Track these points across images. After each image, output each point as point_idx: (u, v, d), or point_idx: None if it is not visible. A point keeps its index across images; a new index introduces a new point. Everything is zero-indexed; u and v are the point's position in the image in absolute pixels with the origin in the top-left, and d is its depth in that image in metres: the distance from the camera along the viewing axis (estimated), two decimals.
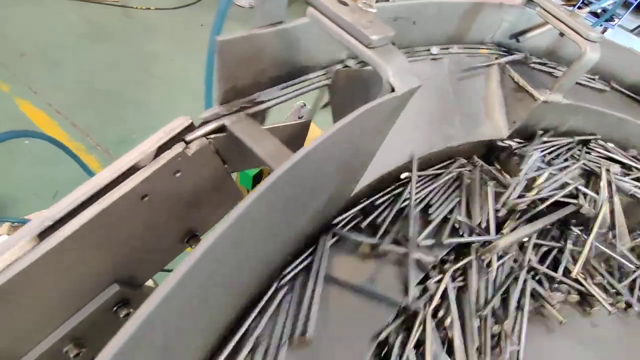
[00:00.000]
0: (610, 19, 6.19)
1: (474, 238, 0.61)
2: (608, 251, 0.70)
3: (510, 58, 0.80)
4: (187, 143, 0.46)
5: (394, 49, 0.41)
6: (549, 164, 0.74)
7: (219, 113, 0.48)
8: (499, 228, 0.65)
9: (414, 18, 0.67)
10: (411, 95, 0.41)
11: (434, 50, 0.73)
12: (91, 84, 2.89)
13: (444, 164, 0.72)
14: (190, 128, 0.47)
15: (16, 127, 1.31)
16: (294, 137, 0.58)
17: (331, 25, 0.40)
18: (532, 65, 0.83)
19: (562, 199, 0.69)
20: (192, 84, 3.11)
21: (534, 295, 0.63)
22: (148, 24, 4.08)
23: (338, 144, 0.37)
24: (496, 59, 0.79)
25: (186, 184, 0.49)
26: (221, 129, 0.48)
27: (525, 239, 0.68)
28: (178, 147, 0.45)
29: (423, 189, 0.66)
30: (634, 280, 0.72)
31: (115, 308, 0.50)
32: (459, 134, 0.72)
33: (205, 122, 0.47)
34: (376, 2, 0.43)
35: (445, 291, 0.55)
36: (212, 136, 0.47)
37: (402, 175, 0.66)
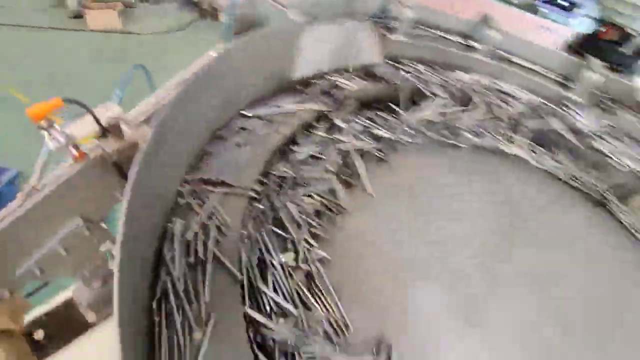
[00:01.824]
0: None
1: None
2: None
3: (380, 21, 1.45)
4: None
5: (292, 10, 1.06)
6: None
7: None
8: None
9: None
10: (298, 30, 1.05)
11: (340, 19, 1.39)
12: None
13: None
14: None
15: None
16: None
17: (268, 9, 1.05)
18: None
19: None
20: None
21: None
22: (150, 46, 4.81)
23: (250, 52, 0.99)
24: (375, 23, 1.45)
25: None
26: None
27: None
28: None
29: None
30: None
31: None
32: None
33: None
34: None
35: None
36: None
37: None
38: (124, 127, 0.89)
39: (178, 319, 0.63)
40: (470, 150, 1.24)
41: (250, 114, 0.99)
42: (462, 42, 1.52)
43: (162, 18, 5.49)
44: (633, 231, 1.13)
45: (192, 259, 0.71)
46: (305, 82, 1.19)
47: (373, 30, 1.42)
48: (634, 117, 1.35)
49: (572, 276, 1.01)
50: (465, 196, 1.09)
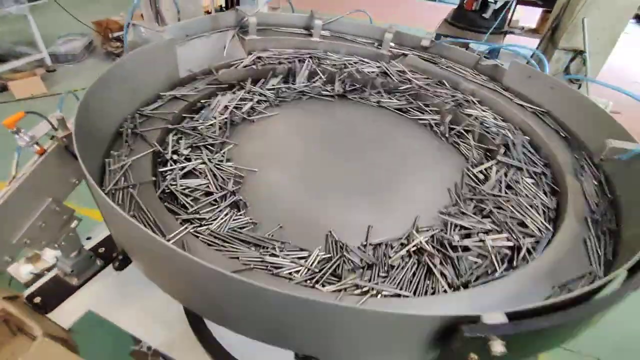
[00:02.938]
0: None
1: None
2: None
3: (240, 30, 2.04)
4: None
5: (166, 33, 1.61)
6: None
7: None
8: None
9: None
10: (169, 44, 1.59)
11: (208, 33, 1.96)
12: None
13: None
14: None
15: None
16: None
17: (150, 34, 1.60)
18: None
19: None
20: None
21: None
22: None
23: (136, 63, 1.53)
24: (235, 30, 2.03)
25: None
26: None
27: None
28: None
29: None
30: None
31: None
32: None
33: None
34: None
35: None
36: None
37: None
38: (68, 124, 1.39)
39: None
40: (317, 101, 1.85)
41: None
42: (304, 31, 2.15)
43: (86, 75, 5.85)
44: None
45: None
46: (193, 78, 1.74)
47: (234, 36, 2.01)
48: (417, 57, 2.03)
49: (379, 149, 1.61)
50: (312, 125, 1.69)
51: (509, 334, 0.65)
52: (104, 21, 6.45)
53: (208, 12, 7.33)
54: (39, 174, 1.41)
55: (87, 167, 1.11)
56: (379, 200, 1.34)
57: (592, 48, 5.70)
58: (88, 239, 1.95)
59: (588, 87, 5.81)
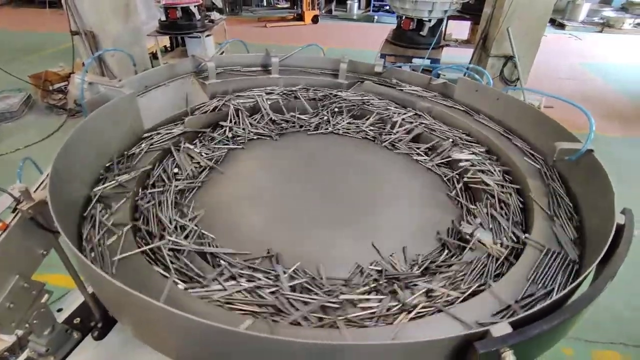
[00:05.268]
0: None
1: None
2: None
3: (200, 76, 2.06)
4: None
5: (125, 87, 1.59)
6: None
7: None
8: None
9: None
10: (131, 98, 1.58)
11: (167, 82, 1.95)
12: None
13: None
14: None
15: None
16: None
17: (108, 90, 1.57)
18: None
19: None
20: None
21: None
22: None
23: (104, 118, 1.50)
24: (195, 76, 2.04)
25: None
26: None
27: None
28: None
29: None
30: None
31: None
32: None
33: None
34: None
35: None
36: None
37: None
38: (31, 193, 1.31)
39: None
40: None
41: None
42: (262, 70, 2.21)
43: (27, 131, 5.53)
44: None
45: None
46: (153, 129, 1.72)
47: (194, 82, 2.02)
48: (372, 82, 2.15)
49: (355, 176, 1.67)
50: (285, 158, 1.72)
51: (517, 342, 0.70)
52: (42, 74, 6.17)
53: (153, 54, 7.26)
54: (3, 250, 1.32)
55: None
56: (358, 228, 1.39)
57: (519, 52, 6.32)
58: (59, 310, 1.81)
59: (523, 91, 6.37)
